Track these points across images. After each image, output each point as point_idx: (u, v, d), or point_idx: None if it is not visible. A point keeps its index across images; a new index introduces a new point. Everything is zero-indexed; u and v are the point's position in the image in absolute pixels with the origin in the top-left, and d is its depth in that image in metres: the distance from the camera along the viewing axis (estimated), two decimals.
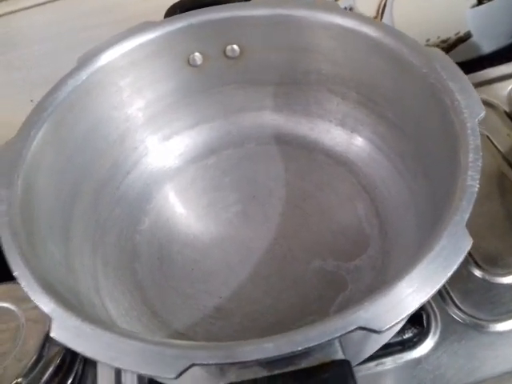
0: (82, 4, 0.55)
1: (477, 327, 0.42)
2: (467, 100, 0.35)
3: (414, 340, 0.42)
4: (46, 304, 0.29)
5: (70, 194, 0.42)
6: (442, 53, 0.39)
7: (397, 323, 0.26)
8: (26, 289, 0.30)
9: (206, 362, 0.26)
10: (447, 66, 0.37)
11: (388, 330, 0.26)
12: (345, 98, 0.48)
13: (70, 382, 0.43)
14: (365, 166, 0.48)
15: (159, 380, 0.36)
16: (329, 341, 0.26)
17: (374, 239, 0.44)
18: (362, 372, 0.40)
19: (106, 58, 0.43)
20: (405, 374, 0.40)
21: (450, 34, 0.68)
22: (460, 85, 0.36)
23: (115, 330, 0.28)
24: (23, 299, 0.42)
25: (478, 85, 0.59)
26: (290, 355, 0.26)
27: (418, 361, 0.41)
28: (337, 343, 0.28)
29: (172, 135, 0.51)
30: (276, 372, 0.27)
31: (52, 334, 0.28)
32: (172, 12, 0.46)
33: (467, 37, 0.69)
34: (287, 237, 0.46)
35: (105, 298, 0.40)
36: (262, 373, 0.27)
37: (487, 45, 0.70)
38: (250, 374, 0.28)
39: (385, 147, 0.46)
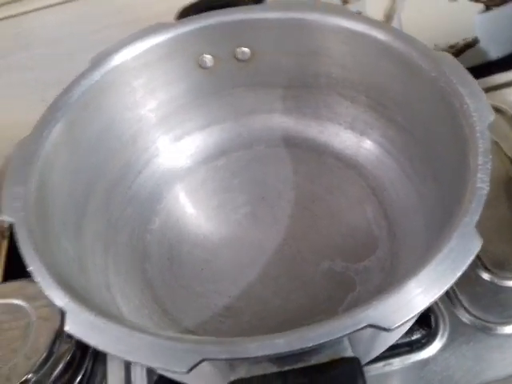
0: (93, 5, 0.56)
1: (485, 329, 0.42)
2: (476, 104, 0.35)
3: (422, 341, 0.42)
4: (60, 298, 0.30)
5: (83, 193, 0.42)
6: (451, 57, 0.39)
7: (406, 322, 0.27)
8: (40, 283, 0.31)
9: (216, 357, 0.26)
10: (456, 70, 0.38)
11: (397, 328, 0.26)
12: (354, 101, 0.48)
13: (79, 378, 0.43)
14: (374, 169, 0.48)
15: (170, 375, 0.37)
16: (339, 338, 0.26)
17: (383, 241, 0.44)
18: (369, 372, 0.40)
19: (120, 58, 0.44)
20: (412, 375, 0.40)
21: (458, 39, 0.69)
22: (469, 89, 0.36)
23: (128, 325, 0.29)
24: (34, 296, 0.43)
25: (486, 90, 0.58)
26: (300, 351, 0.26)
27: (425, 362, 0.41)
28: (346, 341, 0.28)
29: (183, 136, 0.52)
30: (286, 368, 0.28)
31: (66, 328, 0.29)
32: (185, 14, 0.47)
33: (475, 42, 0.69)
34: (296, 238, 0.46)
35: (116, 295, 0.41)
36: (272, 369, 0.28)
37: (495, 50, 0.70)
38: (259, 370, 0.28)
39: (394, 150, 0.47)
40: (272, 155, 0.52)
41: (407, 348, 0.42)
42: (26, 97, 0.60)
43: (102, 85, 0.43)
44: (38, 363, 0.40)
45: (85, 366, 0.44)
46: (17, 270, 0.45)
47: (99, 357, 0.45)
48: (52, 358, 0.41)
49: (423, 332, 0.42)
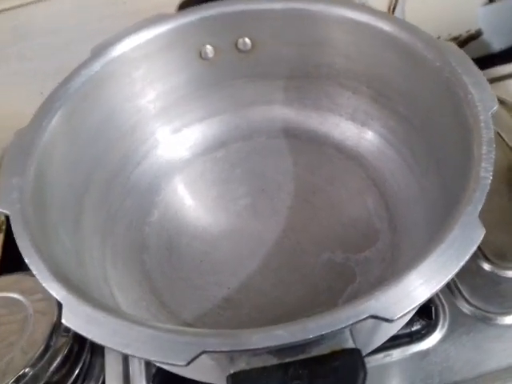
0: None
1: (485, 320, 0.42)
2: (481, 94, 0.35)
3: (422, 332, 0.42)
4: (57, 291, 0.30)
5: (81, 184, 0.42)
6: (456, 47, 0.39)
7: (408, 312, 0.26)
8: (37, 276, 0.30)
9: (217, 350, 0.26)
10: (461, 59, 0.38)
11: (399, 319, 0.26)
12: (356, 92, 0.48)
13: (77, 371, 0.43)
14: (375, 160, 0.48)
15: (169, 368, 0.36)
16: (341, 329, 0.26)
17: (384, 232, 0.44)
18: (370, 363, 0.40)
19: (120, 49, 0.44)
20: (412, 366, 0.40)
21: (461, 31, 0.68)
22: (474, 79, 0.36)
23: (126, 317, 0.28)
24: (31, 290, 0.43)
25: (489, 82, 0.59)
26: (301, 343, 0.26)
27: (425, 353, 0.41)
28: (347, 332, 0.28)
29: (182, 128, 0.51)
30: (286, 360, 0.27)
31: (63, 321, 0.28)
32: (186, 4, 0.46)
33: (478, 34, 0.69)
34: (296, 230, 0.46)
35: (113, 288, 0.41)
36: (272, 361, 0.27)
37: (498, 42, 0.70)
38: (259, 362, 0.28)
39: (395, 141, 0.46)
40: (272, 147, 0.52)
41: (407, 339, 0.41)
42: (24, 88, 0.60)
43: (102, 75, 0.43)
44: (35, 357, 0.40)
45: (82, 359, 0.44)
46: (13, 263, 0.45)
47: (97, 350, 0.45)
48: (49, 352, 0.41)
49: (423, 323, 0.42)
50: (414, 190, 0.44)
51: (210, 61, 0.48)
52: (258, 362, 0.27)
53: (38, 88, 0.57)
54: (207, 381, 0.35)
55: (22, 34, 0.56)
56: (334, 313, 0.26)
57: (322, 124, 0.51)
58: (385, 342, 0.37)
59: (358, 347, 0.27)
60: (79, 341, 0.43)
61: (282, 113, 0.52)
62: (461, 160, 0.34)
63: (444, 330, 0.42)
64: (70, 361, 0.43)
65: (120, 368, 0.43)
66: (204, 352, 0.26)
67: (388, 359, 0.41)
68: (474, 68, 0.37)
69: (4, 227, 0.57)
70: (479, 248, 0.45)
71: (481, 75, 0.36)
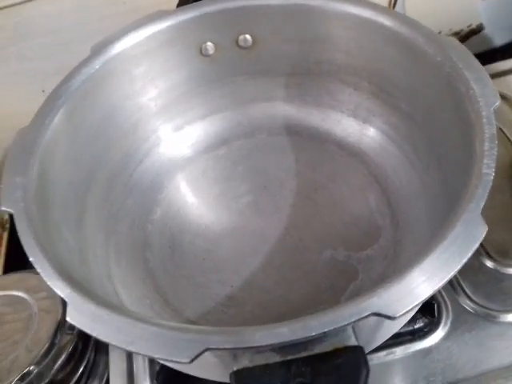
0: None
1: (488, 317, 0.42)
2: (482, 89, 0.35)
3: (425, 330, 0.42)
4: (61, 289, 0.30)
5: (84, 182, 0.42)
6: (457, 42, 0.39)
7: (410, 309, 0.27)
8: (42, 274, 0.31)
9: (220, 347, 0.26)
10: (463, 55, 0.37)
11: (401, 316, 0.26)
12: (357, 88, 0.48)
13: (81, 369, 0.44)
14: (376, 157, 0.48)
15: (173, 365, 0.36)
16: (343, 326, 0.26)
17: (386, 229, 0.44)
18: (372, 361, 0.40)
19: (120, 46, 0.43)
20: (415, 364, 0.40)
21: (463, 26, 0.68)
22: (475, 74, 0.36)
23: (130, 315, 0.29)
24: (35, 288, 0.43)
25: (490, 77, 0.59)
26: (304, 340, 0.26)
27: (428, 350, 0.41)
28: (350, 329, 0.28)
29: (184, 125, 0.51)
30: (289, 357, 0.27)
31: (68, 319, 0.28)
32: (185, 1, 0.46)
33: (479, 29, 0.69)
34: (298, 227, 0.46)
35: (117, 285, 0.41)
36: (275, 358, 0.28)
37: (499, 37, 0.70)
38: (262, 360, 0.28)
39: (397, 137, 0.46)
40: (274, 144, 0.52)
41: (410, 337, 0.42)
42: (25, 87, 0.60)
43: (103, 73, 0.43)
44: (39, 355, 0.40)
45: (87, 357, 0.44)
46: (17, 261, 0.45)
47: (101, 348, 0.45)
48: (54, 350, 0.41)
49: (426, 320, 0.42)
50: (415, 186, 0.44)
51: (210, 57, 0.48)
52: (260, 360, 0.28)
53: (38, 87, 0.57)
54: (210, 378, 0.35)
55: (22, 34, 0.56)
56: (336, 310, 0.26)
57: (324, 121, 0.51)
58: (387, 340, 0.37)
59: (361, 345, 0.27)
60: (83, 339, 0.43)
61: (284, 110, 0.52)
62: (463, 156, 0.34)
63: (446, 327, 0.42)
64: (74, 359, 0.43)
65: (124, 365, 0.43)
66: (207, 349, 0.26)
67: (391, 357, 0.41)
68: (476, 63, 0.37)
69: (8, 226, 0.57)
70: (482, 245, 0.45)
71: (482, 70, 0.36)
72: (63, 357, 0.42)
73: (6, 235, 0.56)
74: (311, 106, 0.51)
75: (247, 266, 0.44)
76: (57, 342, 0.41)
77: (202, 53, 0.48)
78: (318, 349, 0.27)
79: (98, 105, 0.43)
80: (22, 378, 0.39)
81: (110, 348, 0.44)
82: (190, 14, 0.45)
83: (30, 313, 0.42)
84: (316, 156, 0.51)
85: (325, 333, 0.26)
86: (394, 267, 0.41)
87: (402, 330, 0.40)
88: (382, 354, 0.41)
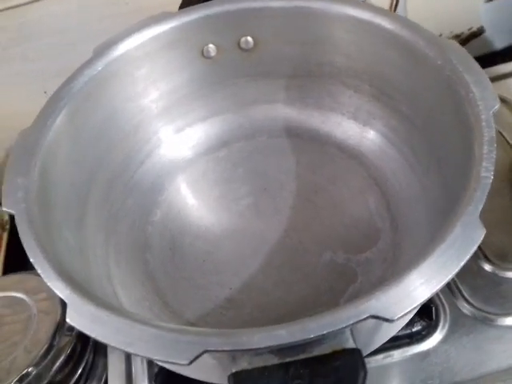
0: None
1: (486, 321, 0.42)
2: (482, 92, 0.35)
3: (423, 333, 0.42)
4: (61, 290, 0.30)
5: (85, 183, 0.42)
6: (457, 45, 0.39)
7: (408, 313, 0.27)
8: (42, 275, 0.31)
9: (218, 349, 0.26)
10: (463, 58, 0.37)
11: (399, 319, 0.26)
12: (357, 90, 0.48)
13: (80, 371, 0.44)
14: (376, 159, 0.48)
15: (171, 367, 0.37)
16: (341, 328, 0.26)
17: (385, 232, 0.44)
18: (370, 364, 0.41)
19: (122, 48, 0.44)
20: (413, 367, 0.40)
21: (463, 28, 0.68)
22: (475, 77, 0.36)
23: (129, 316, 0.29)
24: (35, 289, 0.43)
25: (491, 80, 0.59)
26: (302, 343, 0.26)
27: (426, 354, 0.41)
28: (348, 332, 0.28)
29: (185, 127, 0.51)
30: (287, 360, 0.27)
31: (68, 320, 0.29)
32: (188, 3, 0.46)
33: (480, 32, 0.69)
34: (298, 229, 0.46)
35: (117, 287, 0.41)
36: (273, 360, 0.28)
37: (500, 40, 0.70)
38: (261, 362, 0.28)
39: (397, 140, 0.46)
40: (274, 146, 0.52)
41: (407, 340, 0.42)
42: (27, 87, 0.60)
43: (105, 75, 0.43)
44: (38, 356, 0.40)
45: (85, 358, 0.44)
46: (17, 262, 0.45)
47: (100, 349, 0.45)
48: (52, 351, 0.41)
49: (424, 323, 0.42)
50: (415, 189, 0.44)
51: (212, 59, 0.48)
52: (259, 362, 0.28)
53: (40, 88, 0.58)
54: (209, 380, 0.35)
55: (25, 35, 0.56)
56: (334, 313, 0.26)
57: (324, 123, 0.51)
58: (385, 343, 0.37)
59: (359, 347, 0.27)
60: (82, 340, 0.44)
61: (285, 112, 0.52)
62: (462, 159, 0.34)
63: (444, 330, 0.42)
64: (73, 360, 0.43)
65: (123, 367, 0.43)
66: (206, 351, 0.26)
67: (388, 360, 0.41)
68: (476, 66, 0.37)
69: (8, 227, 0.57)
70: (480, 248, 0.45)
71: (482, 74, 0.36)
72: (62, 358, 0.42)
73: (5, 236, 0.56)
74: (312, 109, 0.51)
75: (247, 267, 0.44)
76: (56, 343, 0.41)
77: (204, 55, 0.48)
78: (316, 351, 0.27)
79: (100, 106, 0.44)
80: (21, 380, 0.39)
81: (109, 349, 0.45)
82: (192, 16, 0.45)
83: (29, 314, 0.43)
84: (316, 158, 0.51)
85: (323, 335, 0.26)
86: (393, 270, 0.41)
87: (399, 333, 0.40)
88: (380, 356, 0.41)
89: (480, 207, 0.29)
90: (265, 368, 0.27)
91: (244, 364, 0.28)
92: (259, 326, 0.27)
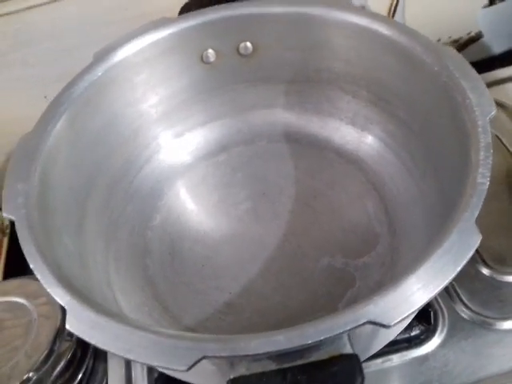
0: (97, 1, 0.56)
1: (484, 325, 0.42)
2: (479, 98, 0.35)
3: (421, 337, 0.42)
4: (61, 296, 0.30)
5: (84, 188, 0.42)
6: (454, 51, 0.39)
7: (405, 318, 0.27)
8: (42, 281, 0.31)
9: (217, 355, 0.27)
10: (459, 64, 0.38)
11: (396, 324, 0.26)
12: (356, 96, 0.48)
13: (80, 376, 0.44)
14: (374, 164, 0.48)
15: (170, 373, 0.37)
16: (338, 334, 0.26)
17: (383, 236, 0.44)
18: (369, 368, 0.41)
19: (122, 54, 0.44)
20: (412, 371, 0.41)
21: (462, 33, 0.68)
22: (472, 83, 0.36)
23: (129, 323, 0.29)
24: (35, 294, 0.43)
25: (489, 85, 0.58)
26: (299, 348, 0.26)
27: (425, 358, 0.41)
28: (345, 337, 0.28)
29: (184, 132, 0.52)
30: (285, 365, 0.28)
31: (67, 326, 0.29)
32: (187, 9, 0.47)
33: (478, 37, 0.69)
34: (297, 234, 0.47)
35: (116, 292, 0.41)
36: (271, 366, 0.28)
37: (498, 45, 0.70)
38: (259, 368, 0.28)
39: (394, 145, 0.47)
40: (273, 151, 0.53)
41: (406, 344, 0.42)
42: (27, 93, 0.61)
43: (105, 80, 0.43)
44: (38, 361, 0.40)
45: (85, 363, 0.44)
46: (17, 267, 0.45)
47: (100, 355, 0.45)
48: (53, 356, 0.41)
49: (422, 328, 0.42)
50: (413, 194, 0.44)
51: (211, 65, 0.49)
52: (257, 368, 0.28)
53: (40, 93, 0.58)
54: None
55: (24, 41, 0.56)
56: (331, 318, 0.26)
57: (323, 128, 0.51)
58: (384, 347, 0.38)
59: (357, 352, 0.28)
60: (82, 345, 0.44)
61: (283, 117, 0.53)
62: (458, 164, 0.34)
63: (443, 334, 0.42)
64: (73, 365, 0.43)
65: (122, 372, 0.44)
66: (204, 357, 0.26)
67: (387, 364, 0.41)
68: (473, 72, 0.37)
69: (8, 231, 0.57)
70: (478, 253, 0.45)
71: (479, 80, 0.37)
72: (62, 363, 0.42)
73: (6, 241, 0.56)
74: (311, 114, 0.52)
75: (246, 272, 0.44)
76: (56, 348, 0.41)
77: (203, 60, 0.48)
78: (314, 357, 0.27)
79: (99, 111, 0.44)
80: None
81: (109, 355, 0.45)
82: (191, 21, 0.46)
83: (30, 319, 0.43)
84: (315, 163, 0.51)
85: (320, 341, 0.26)
86: (391, 274, 0.41)
87: (398, 338, 0.40)
88: (379, 361, 0.41)
89: (476, 213, 0.29)
90: (263, 374, 0.28)
91: (242, 370, 0.28)
92: (258, 330, 0.27)
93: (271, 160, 0.52)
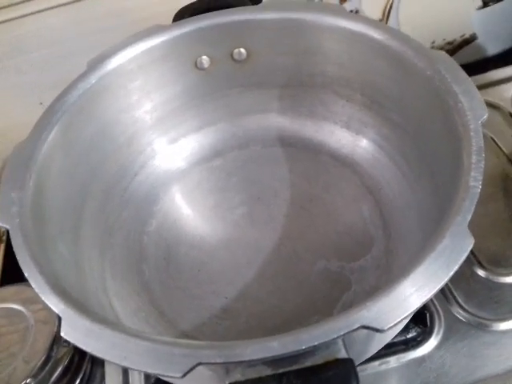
0: (91, 8, 0.56)
1: (480, 326, 0.42)
2: (470, 102, 0.35)
3: (418, 339, 0.42)
4: (55, 305, 0.30)
5: (79, 196, 0.42)
6: (446, 55, 0.39)
7: (399, 322, 0.27)
8: (36, 290, 0.31)
9: (212, 361, 0.27)
10: (451, 68, 0.38)
11: (390, 328, 0.26)
12: (350, 99, 0.48)
13: (78, 382, 0.44)
14: (369, 168, 0.49)
15: (166, 379, 0.37)
16: (332, 339, 0.26)
17: (379, 240, 0.45)
18: (366, 371, 0.41)
19: (116, 61, 0.44)
20: (408, 373, 0.41)
21: (456, 35, 0.69)
22: (463, 87, 0.36)
23: (123, 330, 0.29)
24: (32, 300, 0.43)
25: (483, 87, 0.60)
26: (294, 354, 0.26)
27: (421, 360, 0.41)
28: (340, 342, 0.28)
29: (179, 138, 0.52)
30: (280, 371, 0.27)
31: (62, 334, 0.29)
32: (180, 16, 0.47)
33: (472, 39, 0.69)
34: (292, 238, 0.47)
35: (112, 298, 0.41)
36: (267, 372, 0.28)
37: (492, 47, 0.70)
38: (254, 373, 0.28)
39: (389, 148, 0.47)
40: (268, 155, 0.53)
41: (403, 346, 0.42)
42: (23, 100, 0.61)
43: (98, 88, 0.43)
44: (36, 367, 0.40)
45: (83, 369, 0.44)
46: (14, 273, 0.45)
47: (97, 360, 0.45)
48: (50, 362, 0.41)
49: (418, 330, 0.42)
50: (407, 197, 0.44)
51: (205, 71, 0.49)
52: (252, 373, 0.28)
53: (35, 100, 0.58)
54: None
55: (19, 48, 0.56)
56: (325, 324, 0.26)
57: (318, 132, 0.52)
58: (381, 350, 0.38)
59: (352, 357, 0.28)
60: (80, 351, 0.43)
61: (278, 121, 0.53)
62: (451, 168, 0.34)
63: (439, 336, 0.42)
64: (70, 371, 0.43)
65: (120, 378, 0.44)
66: (200, 364, 0.26)
67: (384, 366, 0.41)
68: (464, 76, 0.37)
69: (5, 238, 0.57)
70: (474, 254, 0.45)
71: (471, 84, 0.37)
72: (60, 369, 0.42)
73: (2, 247, 0.56)
74: (305, 118, 0.52)
75: (242, 277, 0.44)
76: (53, 354, 0.41)
77: (197, 66, 0.48)
78: (309, 362, 0.27)
79: (93, 119, 0.44)
80: None
81: (106, 361, 0.45)
82: (185, 28, 0.46)
83: (27, 325, 0.43)
84: (310, 167, 0.51)
85: (315, 346, 0.26)
86: (387, 277, 0.41)
87: (395, 340, 0.40)
88: (376, 363, 0.41)
89: (469, 217, 0.29)
90: (258, 379, 0.28)
91: (237, 375, 0.28)
92: (255, 334, 0.27)
93: (266, 164, 0.52)
